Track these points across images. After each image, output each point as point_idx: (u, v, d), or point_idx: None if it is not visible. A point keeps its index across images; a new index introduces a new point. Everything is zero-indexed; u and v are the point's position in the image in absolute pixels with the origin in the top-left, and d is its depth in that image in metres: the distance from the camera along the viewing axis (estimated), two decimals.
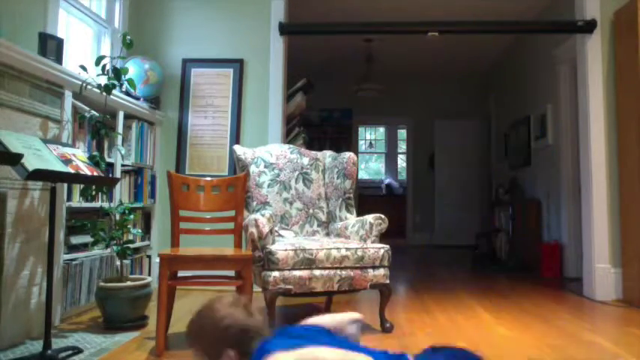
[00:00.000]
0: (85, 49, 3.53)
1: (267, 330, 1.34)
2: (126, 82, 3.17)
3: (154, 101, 3.84)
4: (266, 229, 2.48)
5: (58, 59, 2.68)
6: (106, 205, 2.96)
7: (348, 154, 3.12)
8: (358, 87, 6.83)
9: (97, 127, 2.92)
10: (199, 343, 1.34)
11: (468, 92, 8.14)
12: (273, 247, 2.47)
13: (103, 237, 2.77)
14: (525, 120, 5.69)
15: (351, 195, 3.13)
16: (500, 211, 6.01)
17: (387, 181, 10.83)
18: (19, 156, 1.90)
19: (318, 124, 8.45)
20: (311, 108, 6.48)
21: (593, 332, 2.68)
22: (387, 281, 2.64)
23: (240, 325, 1.30)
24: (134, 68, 3.54)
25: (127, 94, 3.45)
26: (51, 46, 2.66)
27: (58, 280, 2.61)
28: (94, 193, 2.90)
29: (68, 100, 2.71)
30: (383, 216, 2.78)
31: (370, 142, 11.33)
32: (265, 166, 3.10)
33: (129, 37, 3.04)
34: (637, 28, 3.34)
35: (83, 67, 2.75)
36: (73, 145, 2.66)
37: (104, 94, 2.88)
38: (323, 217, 3.14)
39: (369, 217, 2.77)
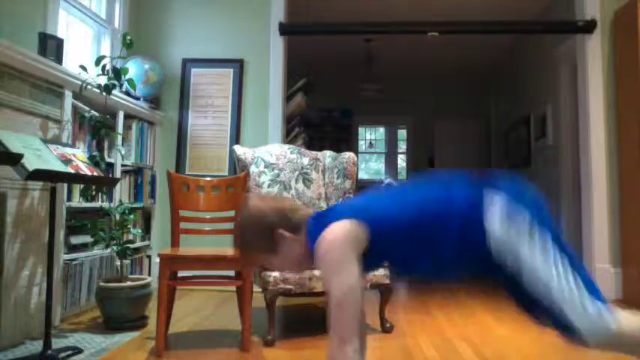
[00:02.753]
0: (85, 49, 3.53)
1: (300, 204, 1.48)
2: (126, 82, 3.18)
3: (154, 101, 3.84)
4: None
5: (58, 59, 2.68)
6: (106, 205, 2.96)
7: (348, 155, 3.12)
8: (362, 86, 6.84)
9: (97, 127, 2.91)
10: (251, 247, 1.43)
11: (468, 92, 8.13)
12: None
13: (103, 237, 2.76)
14: (525, 120, 5.69)
15: (352, 195, 3.12)
16: None
17: (387, 181, 10.83)
18: (19, 156, 1.90)
19: (318, 124, 8.45)
20: (311, 108, 6.48)
21: None
22: (388, 281, 2.64)
23: (273, 208, 1.40)
24: (134, 68, 3.54)
25: (127, 94, 3.45)
26: (51, 46, 2.66)
27: (58, 280, 2.61)
28: (94, 193, 2.90)
29: (68, 100, 2.71)
30: None
31: (370, 142, 11.31)
32: (265, 166, 3.10)
33: (129, 37, 3.04)
34: (637, 28, 3.34)
35: (83, 67, 2.75)
36: (73, 145, 2.66)
37: (104, 94, 2.88)
38: None
39: None
